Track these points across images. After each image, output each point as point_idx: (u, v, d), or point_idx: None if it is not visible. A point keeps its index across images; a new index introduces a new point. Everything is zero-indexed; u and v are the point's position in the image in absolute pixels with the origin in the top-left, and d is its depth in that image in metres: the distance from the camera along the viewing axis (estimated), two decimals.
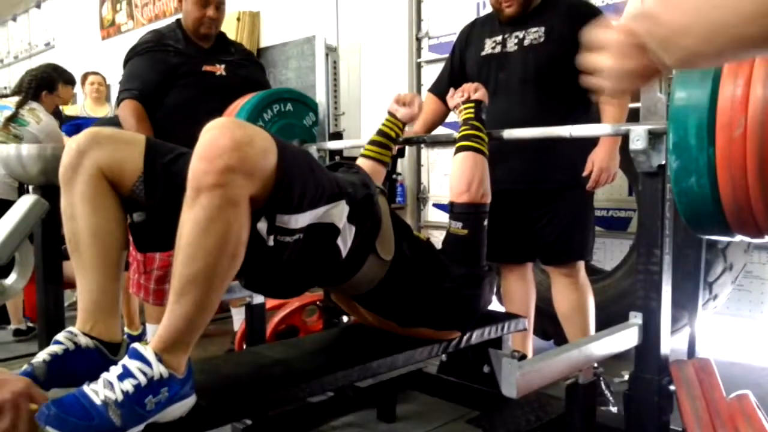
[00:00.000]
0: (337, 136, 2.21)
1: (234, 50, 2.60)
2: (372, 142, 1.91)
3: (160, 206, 1.24)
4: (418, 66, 4.08)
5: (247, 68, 2.60)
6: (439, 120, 2.32)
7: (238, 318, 3.14)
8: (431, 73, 4.02)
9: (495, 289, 1.76)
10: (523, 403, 1.61)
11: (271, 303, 2.29)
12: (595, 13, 1.99)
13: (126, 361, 1.06)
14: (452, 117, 2.45)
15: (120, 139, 1.25)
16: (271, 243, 1.15)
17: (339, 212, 1.23)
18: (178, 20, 2.53)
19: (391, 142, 1.91)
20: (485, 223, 1.64)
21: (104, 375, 1.04)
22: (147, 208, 1.25)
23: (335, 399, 2.16)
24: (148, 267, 2.45)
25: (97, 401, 1.00)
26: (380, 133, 1.91)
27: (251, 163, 1.04)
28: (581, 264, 2.14)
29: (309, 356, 1.56)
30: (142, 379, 1.04)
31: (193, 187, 1.02)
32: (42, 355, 1.15)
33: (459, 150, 1.71)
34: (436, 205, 3.84)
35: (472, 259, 1.61)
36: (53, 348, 1.17)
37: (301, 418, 2.13)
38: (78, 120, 4.21)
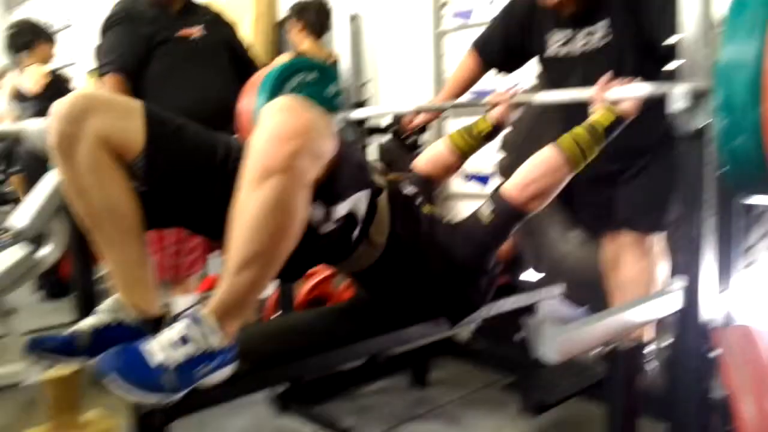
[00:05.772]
0: (362, 104, 2.18)
1: (203, 11, 2.52)
2: (459, 130, 1.79)
3: (162, 183, 1.19)
4: (441, 35, 4.00)
5: (221, 27, 2.53)
6: (474, 82, 2.18)
7: None
8: (454, 42, 3.94)
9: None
10: (558, 369, 1.60)
11: None
12: None
13: (186, 325, 1.06)
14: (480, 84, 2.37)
15: (118, 107, 1.17)
16: (324, 230, 1.17)
17: (363, 201, 1.24)
18: None
19: (476, 136, 1.77)
20: (513, 228, 1.47)
21: (165, 335, 1.05)
22: (149, 183, 1.19)
23: (367, 365, 2.18)
24: (164, 243, 2.44)
25: (156, 360, 1.01)
26: (471, 124, 1.79)
27: (319, 146, 1.06)
28: (654, 236, 1.99)
29: (343, 324, 1.57)
30: (200, 346, 1.05)
31: (260, 169, 1.02)
32: (84, 325, 1.17)
33: (556, 145, 1.46)
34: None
35: (476, 250, 1.47)
36: (96, 319, 1.18)
37: (335, 383, 2.16)
38: None
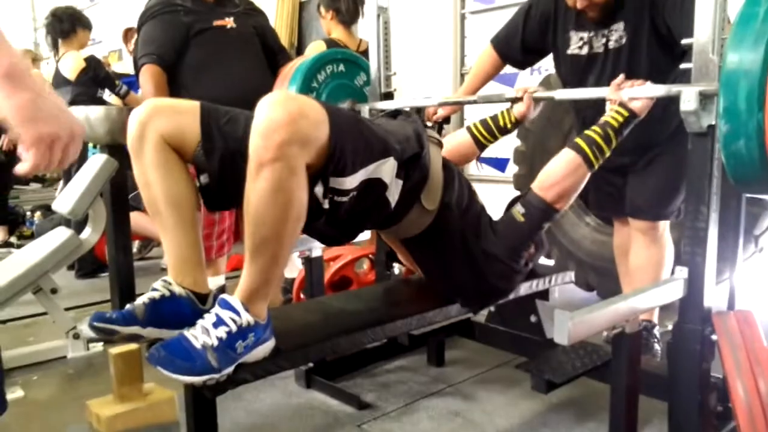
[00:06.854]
0: (389, 96, 2.27)
1: (238, 1, 2.60)
2: (482, 121, 1.93)
3: (220, 168, 1.34)
4: (462, 17, 4.04)
5: (254, 17, 2.61)
6: (493, 76, 2.29)
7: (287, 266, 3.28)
8: (476, 24, 3.98)
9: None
10: (569, 350, 1.71)
11: (325, 255, 2.42)
12: None
13: (218, 310, 1.20)
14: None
15: (177, 109, 1.34)
16: (326, 206, 1.26)
17: (388, 168, 1.34)
18: None
19: (497, 130, 1.91)
20: (545, 225, 1.63)
21: (201, 322, 1.19)
22: (210, 170, 1.35)
23: (387, 344, 2.30)
24: None
25: (198, 345, 1.15)
26: (493, 117, 1.92)
27: (305, 135, 1.15)
28: (662, 223, 2.10)
29: (369, 306, 1.70)
30: (233, 327, 1.18)
31: (255, 162, 1.13)
32: (142, 299, 1.30)
33: (573, 147, 1.60)
34: (481, 160, 3.89)
35: (510, 246, 1.62)
36: (151, 294, 1.31)
37: (356, 361, 2.29)
38: (131, 78, 4.35)
